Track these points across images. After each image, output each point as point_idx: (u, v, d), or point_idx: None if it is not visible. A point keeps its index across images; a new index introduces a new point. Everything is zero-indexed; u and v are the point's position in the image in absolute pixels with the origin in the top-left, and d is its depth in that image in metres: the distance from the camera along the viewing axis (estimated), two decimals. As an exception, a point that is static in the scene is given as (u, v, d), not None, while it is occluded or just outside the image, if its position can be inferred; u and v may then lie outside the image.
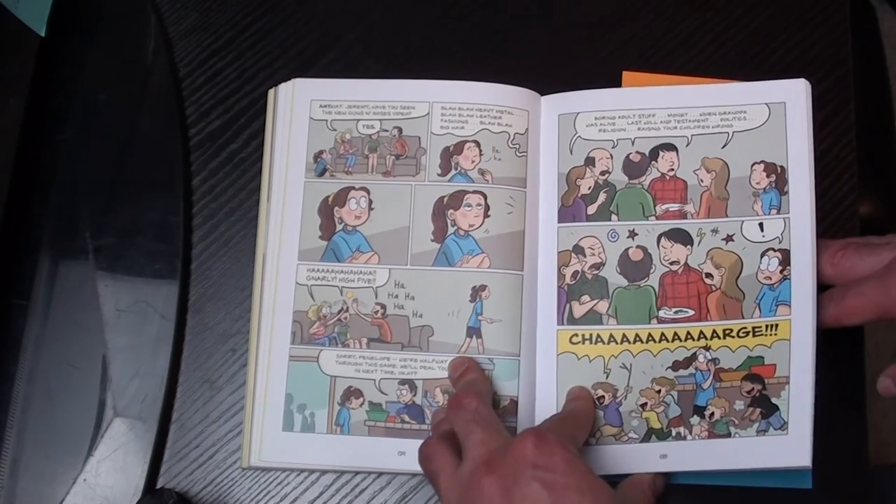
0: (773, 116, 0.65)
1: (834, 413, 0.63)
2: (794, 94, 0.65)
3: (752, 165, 0.65)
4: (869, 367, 0.66)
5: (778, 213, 0.64)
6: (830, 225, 0.68)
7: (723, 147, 0.66)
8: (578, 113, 0.67)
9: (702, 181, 0.66)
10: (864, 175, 0.69)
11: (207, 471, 0.66)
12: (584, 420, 0.62)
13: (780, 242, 0.64)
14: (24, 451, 0.65)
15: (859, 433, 0.65)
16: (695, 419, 0.63)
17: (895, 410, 1.30)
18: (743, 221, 0.64)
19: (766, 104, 0.66)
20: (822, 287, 0.63)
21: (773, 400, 0.62)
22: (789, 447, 0.61)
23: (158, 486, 0.65)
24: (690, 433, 0.63)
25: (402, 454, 0.64)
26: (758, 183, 0.65)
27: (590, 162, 0.67)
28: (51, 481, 0.64)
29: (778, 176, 0.65)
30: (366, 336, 0.66)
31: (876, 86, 0.92)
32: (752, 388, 0.62)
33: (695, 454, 0.62)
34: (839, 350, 0.64)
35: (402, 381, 0.65)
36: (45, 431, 0.65)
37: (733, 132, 0.66)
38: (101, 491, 0.64)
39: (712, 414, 0.62)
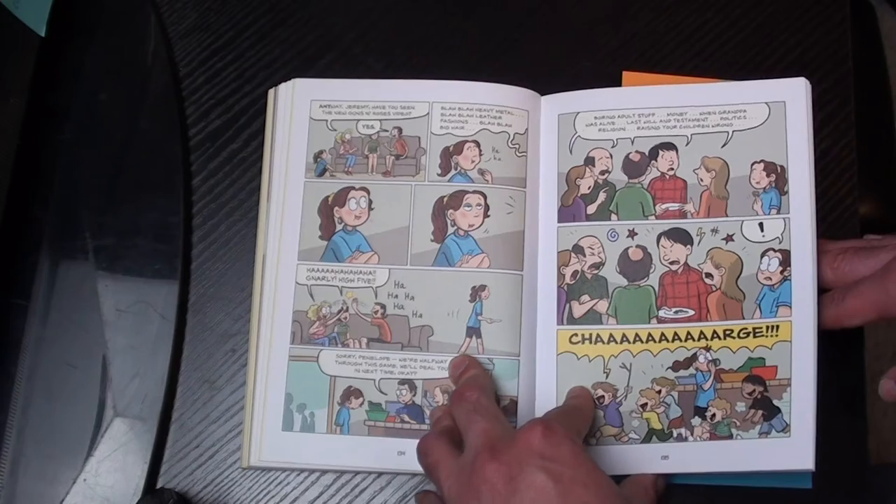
0: (773, 115, 0.65)
1: (834, 413, 0.63)
2: (794, 94, 0.65)
3: (752, 165, 0.65)
4: (869, 367, 0.66)
5: (778, 212, 0.64)
6: (830, 225, 0.68)
7: (723, 146, 0.66)
8: (578, 113, 0.67)
9: (701, 180, 0.65)
10: (864, 175, 0.69)
11: (207, 471, 0.66)
12: (585, 414, 0.62)
13: (780, 243, 0.64)
14: (24, 451, 0.65)
15: (859, 433, 0.65)
16: (696, 420, 0.62)
17: (895, 410, 1.30)
18: (743, 221, 0.64)
19: (766, 103, 0.66)
20: (822, 290, 0.63)
21: (775, 402, 0.62)
22: (792, 450, 0.61)
23: (158, 486, 0.65)
24: (692, 434, 0.62)
25: (402, 454, 0.64)
26: (758, 182, 0.65)
27: (589, 161, 0.67)
28: (51, 481, 0.64)
29: (778, 175, 0.64)
30: (365, 336, 0.66)
31: (876, 86, 0.93)
32: (754, 390, 0.62)
33: (697, 456, 0.62)
34: (839, 350, 0.64)
35: (402, 381, 0.65)
36: (45, 431, 0.65)
37: (733, 131, 0.66)
38: (101, 491, 0.64)
39: (713, 415, 0.62)
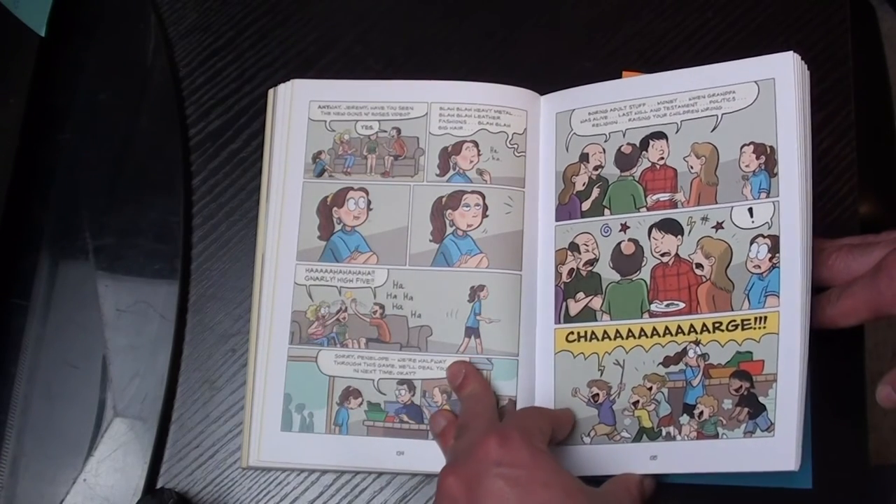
0: (763, 94, 0.64)
1: (834, 413, 0.63)
2: (784, 69, 0.63)
3: (742, 148, 0.63)
4: (869, 367, 0.66)
5: (767, 196, 0.62)
6: (830, 225, 0.68)
7: (712, 130, 0.64)
8: (574, 110, 0.67)
9: (692, 168, 0.64)
10: (864, 175, 0.69)
11: (207, 471, 0.66)
12: (546, 413, 0.62)
13: (769, 228, 0.62)
14: (24, 451, 0.65)
15: (859, 433, 0.64)
16: (684, 418, 0.61)
17: (895, 410, 1.30)
18: (732, 207, 0.63)
19: (756, 82, 0.64)
20: (819, 289, 0.62)
21: (761, 399, 0.60)
22: (775, 450, 0.59)
23: (158, 486, 0.66)
24: (680, 433, 0.61)
25: (401, 454, 0.64)
26: (747, 166, 0.63)
27: (584, 158, 0.66)
28: (51, 481, 0.64)
29: (767, 157, 0.63)
30: (364, 336, 0.66)
31: (876, 86, 0.92)
32: (740, 386, 0.61)
33: (684, 456, 0.61)
34: (839, 349, 0.64)
35: (401, 381, 0.65)
36: (45, 431, 0.65)
37: (722, 114, 0.64)
38: (101, 491, 0.64)
39: (701, 413, 0.61)
